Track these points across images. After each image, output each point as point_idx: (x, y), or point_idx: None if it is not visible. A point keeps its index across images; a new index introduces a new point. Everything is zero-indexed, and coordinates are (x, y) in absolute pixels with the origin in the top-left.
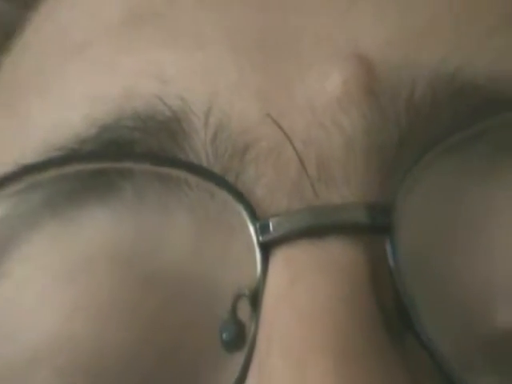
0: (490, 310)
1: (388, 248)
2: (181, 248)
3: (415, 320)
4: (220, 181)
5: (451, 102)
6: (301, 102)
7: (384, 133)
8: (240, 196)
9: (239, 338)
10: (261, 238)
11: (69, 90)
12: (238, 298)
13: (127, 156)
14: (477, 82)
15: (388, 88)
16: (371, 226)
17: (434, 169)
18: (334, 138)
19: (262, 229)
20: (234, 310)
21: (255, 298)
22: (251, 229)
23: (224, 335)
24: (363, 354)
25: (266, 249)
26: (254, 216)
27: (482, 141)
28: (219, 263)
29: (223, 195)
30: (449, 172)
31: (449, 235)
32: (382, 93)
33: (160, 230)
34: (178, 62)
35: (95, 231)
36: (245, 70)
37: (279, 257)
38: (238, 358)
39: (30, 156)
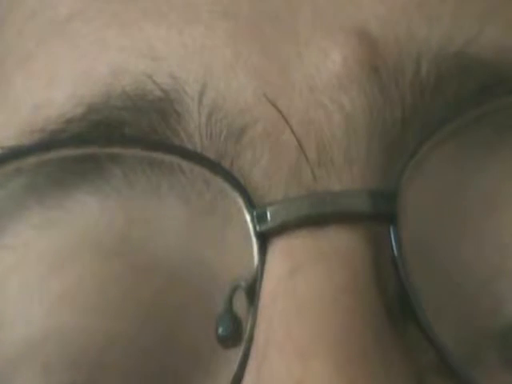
0: (496, 299)
1: (391, 236)
2: (173, 236)
3: (418, 310)
4: (215, 166)
5: (457, 80)
6: (299, 81)
7: (387, 112)
8: (236, 183)
9: (236, 333)
10: (258, 228)
11: (53, 66)
12: (234, 290)
13: (116, 140)
14: (484, 57)
15: (391, 65)
16: (374, 214)
17: (437, 153)
18: (334, 119)
19: (260, 218)
20: (229, 303)
21: (252, 290)
22: (248, 217)
23: (220, 330)
24: (365, 346)
25: (264, 238)
26: (250, 204)
27: (484, 124)
28: (214, 252)
29: (218, 181)
30: (451, 156)
31: (452, 222)
32: (384, 70)
33: (151, 218)
34: (170, 39)
35: (83, 218)
36: (240, 47)
37: (277, 247)
38: (236, 354)
39: (13, 137)
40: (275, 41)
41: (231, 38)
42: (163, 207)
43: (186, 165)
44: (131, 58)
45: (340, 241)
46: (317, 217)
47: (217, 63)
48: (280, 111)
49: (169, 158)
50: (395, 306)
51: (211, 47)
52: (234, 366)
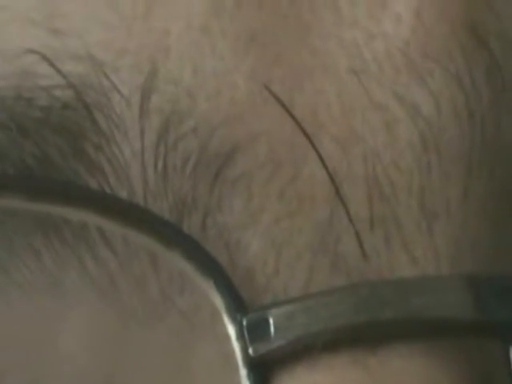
0: None
1: None
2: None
3: None
4: (167, 232)
5: None
6: (334, 62)
7: (503, 114)
8: (210, 265)
9: None
10: (251, 351)
11: None
12: None
13: None
14: None
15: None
16: (481, 323)
17: None
18: (402, 135)
19: (254, 331)
20: None
21: None
22: (231, 330)
23: None
24: None
25: (262, 371)
26: (236, 305)
27: None
28: None
29: (175, 262)
30: None
31: None
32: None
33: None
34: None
35: None
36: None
37: None
38: None
39: None
40: None
41: None
42: (66, 307)
43: (112, 231)
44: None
45: (413, 373)
46: (368, 330)
47: (174, 32)
48: (297, 121)
49: (78, 215)
50: None
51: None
52: None
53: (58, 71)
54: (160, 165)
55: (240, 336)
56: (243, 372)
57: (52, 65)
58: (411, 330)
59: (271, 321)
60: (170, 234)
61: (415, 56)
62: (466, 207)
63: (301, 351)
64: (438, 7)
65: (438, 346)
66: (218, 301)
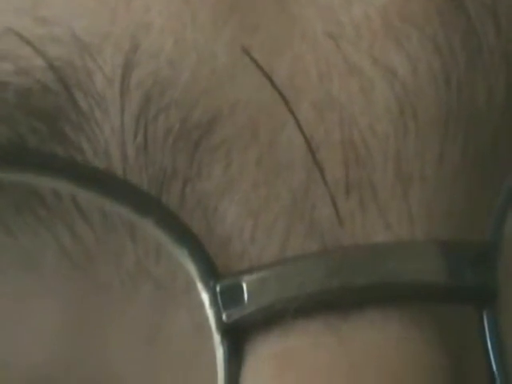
0: None
1: (485, 330)
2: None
3: None
4: (143, 202)
5: None
6: (311, 26)
7: (479, 78)
8: (184, 232)
9: None
10: (224, 317)
11: None
12: None
13: None
14: None
15: None
16: (454, 289)
17: None
18: (379, 99)
19: (228, 297)
20: None
21: None
22: (204, 297)
23: None
24: None
25: (236, 337)
26: (210, 271)
27: None
28: (138, 367)
29: (149, 229)
30: None
31: None
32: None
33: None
34: None
35: None
36: None
37: (264, 352)
38: None
39: None
40: None
41: None
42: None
43: (87, 202)
44: None
45: (385, 338)
46: (341, 295)
47: (156, 3)
48: (275, 86)
49: (53, 184)
50: None
51: None
52: None
53: (39, 53)
54: (140, 138)
55: (214, 303)
56: (217, 338)
57: (33, 47)
58: (384, 295)
59: (244, 287)
60: (145, 202)
61: (393, 19)
62: (440, 172)
63: (274, 317)
64: None
65: (411, 310)
66: (192, 268)
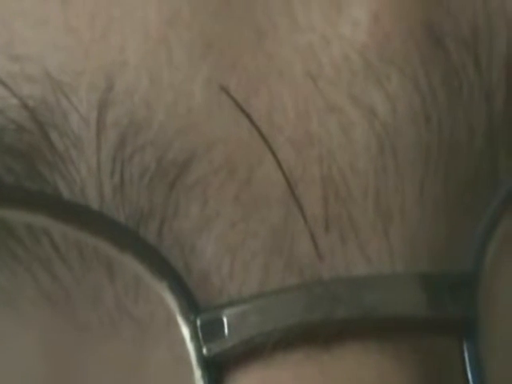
0: None
1: (464, 358)
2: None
3: None
4: (122, 235)
5: None
6: (289, 64)
7: (459, 116)
8: (163, 266)
9: None
10: (205, 351)
11: None
12: None
13: None
14: None
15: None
16: (434, 320)
17: None
18: (357, 134)
19: (208, 331)
20: None
21: None
22: (184, 331)
23: None
24: None
25: (217, 370)
26: (190, 306)
27: None
28: None
29: (129, 264)
30: None
31: None
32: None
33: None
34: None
35: None
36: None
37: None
38: None
39: None
40: None
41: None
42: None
43: (63, 237)
44: None
45: (366, 369)
46: (321, 327)
47: (132, 42)
48: (253, 122)
49: (29, 218)
50: None
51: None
52: None
53: (13, 92)
54: (116, 178)
55: (194, 336)
56: (197, 373)
57: (6, 87)
58: (364, 328)
59: (225, 320)
60: (123, 236)
61: (372, 59)
62: (421, 208)
63: (255, 350)
64: (395, 10)
65: (392, 342)
66: (172, 303)
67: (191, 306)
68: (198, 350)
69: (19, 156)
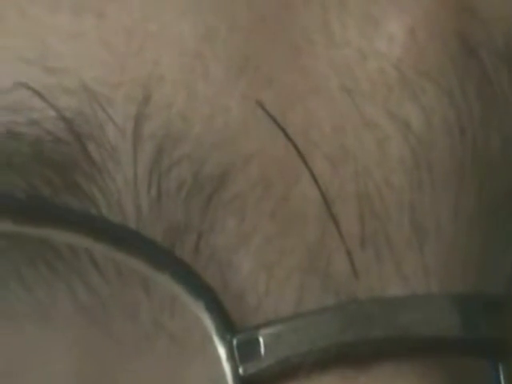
0: None
1: (501, 381)
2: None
3: None
4: (159, 256)
5: None
6: (325, 81)
7: (494, 128)
8: (200, 286)
9: None
10: (241, 370)
11: None
12: None
13: None
14: None
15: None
16: (470, 343)
17: None
18: (393, 153)
19: (244, 351)
20: None
21: None
22: (221, 351)
23: None
24: None
25: None
26: (227, 326)
27: None
28: None
29: (166, 285)
30: None
31: None
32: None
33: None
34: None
35: None
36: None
37: None
38: None
39: None
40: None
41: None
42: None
43: (102, 256)
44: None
45: None
46: (357, 348)
47: (168, 57)
48: (289, 137)
49: (68, 238)
50: None
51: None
52: None
53: (50, 104)
54: (153, 191)
55: (230, 356)
56: None
57: (44, 98)
58: (399, 348)
59: (261, 340)
60: (160, 256)
61: (408, 73)
62: (456, 224)
63: (290, 370)
64: (430, 24)
65: (427, 364)
66: (208, 322)
67: (227, 326)
68: (234, 369)
69: (57, 168)
